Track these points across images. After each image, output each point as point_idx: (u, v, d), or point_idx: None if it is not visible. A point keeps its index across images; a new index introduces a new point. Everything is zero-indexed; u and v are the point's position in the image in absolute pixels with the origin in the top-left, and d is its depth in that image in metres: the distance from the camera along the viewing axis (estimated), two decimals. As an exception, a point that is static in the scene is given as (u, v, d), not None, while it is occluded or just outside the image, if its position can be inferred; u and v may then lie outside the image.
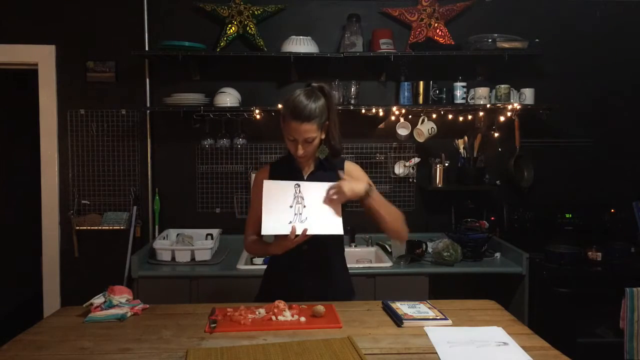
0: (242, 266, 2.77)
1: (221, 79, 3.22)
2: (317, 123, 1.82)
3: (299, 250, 1.85)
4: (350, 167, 1.99)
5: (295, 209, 1.82)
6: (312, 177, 1.95)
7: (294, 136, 1.82)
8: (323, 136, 1.89)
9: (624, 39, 3.35)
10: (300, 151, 1.84)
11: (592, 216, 3.20)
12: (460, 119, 3.25)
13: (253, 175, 3.15)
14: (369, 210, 1.89)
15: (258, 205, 1.90)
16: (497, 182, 3.27)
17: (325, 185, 1.84)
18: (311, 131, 1.81)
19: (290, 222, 1.79)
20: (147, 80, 3.23)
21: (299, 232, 1.77)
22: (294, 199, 1.83)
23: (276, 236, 1.90)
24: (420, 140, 3.18)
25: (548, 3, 3.32)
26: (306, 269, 1.93)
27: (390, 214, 1.90)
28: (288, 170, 1.95)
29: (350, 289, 2.06)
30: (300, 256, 1.89)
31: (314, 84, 1.88)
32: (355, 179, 1.93)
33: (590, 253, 2.83)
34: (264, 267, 2.12)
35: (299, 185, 1.85)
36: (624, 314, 2.62)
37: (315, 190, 1.84)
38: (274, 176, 1.95)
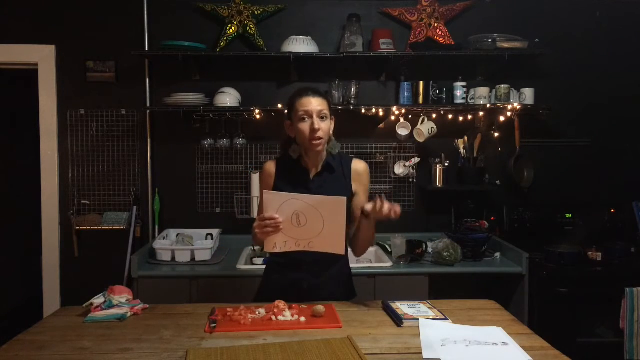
0: (242, 266, 2.77)
1: (221, 79, 3.22)
2: (327, 102, 1.85)
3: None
4: (359, 166, 1.95)
5: (295, 223, 1.73)
6: (319, 179, 1.90)
7: (307, 111, 1.80)
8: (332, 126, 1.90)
9: (624, 39, 3.35)
10: (317, 125, 1.78)
11: (592, 216, 3.20)
12: (460, 119, 3.25)
13: (253, 175, 3.17)
14: (357, 228, 1.90)
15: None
16: (497, 182, 3.27)
17: (328, 200, 1.72)
18: (323, 106, 1.82)
19: (293, 238, 1.75)
20: (147, 80, 3.23)
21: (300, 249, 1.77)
22: (294, 213, 1.72)
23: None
24: (420, 140, 3.18)
25: (548, 3, 3.32)
26: (306, 268, 1.91)
27: (370, 240, 1.93)
28: (294, 169, 1.92)
29: (352, 289, 2.05)
30: (300, 255, 1.84)
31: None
32: (360, 182, 1.93)
33: (590, 253, 2.82)
34: (264, 267, 2.12)
35: (298, 199, 1.72)
36: (624, 314, 2.62)
37: (318, 204, 1.71)
38: (280, 171, 1.93)
